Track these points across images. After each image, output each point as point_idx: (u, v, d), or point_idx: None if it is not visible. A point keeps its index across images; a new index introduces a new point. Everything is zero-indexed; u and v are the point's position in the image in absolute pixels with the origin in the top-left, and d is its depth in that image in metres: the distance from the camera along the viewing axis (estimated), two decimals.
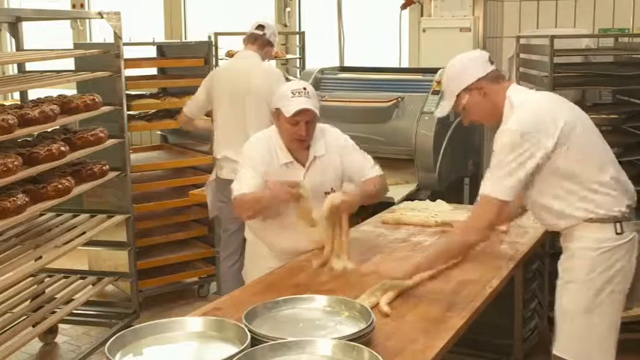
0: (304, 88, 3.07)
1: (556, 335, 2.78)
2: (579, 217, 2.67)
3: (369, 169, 3.26)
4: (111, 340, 2.08)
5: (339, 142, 3.26)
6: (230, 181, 3.23)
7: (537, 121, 2.62)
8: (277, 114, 3.11)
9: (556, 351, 2.76)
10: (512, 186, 2.61)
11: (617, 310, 2.73)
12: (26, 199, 3.53)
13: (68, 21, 6.49)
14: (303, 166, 3.15)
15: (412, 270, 2.72)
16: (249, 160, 3.12)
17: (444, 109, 2.87)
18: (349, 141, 3.30)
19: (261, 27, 4.36)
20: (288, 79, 4.45)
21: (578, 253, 2.68)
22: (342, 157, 3.23)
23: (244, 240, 3.49)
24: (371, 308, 2.40)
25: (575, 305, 2.69)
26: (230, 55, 5.44)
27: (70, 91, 4.57)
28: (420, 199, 4.20)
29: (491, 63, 2.80)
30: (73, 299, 4.26)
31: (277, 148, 3.13)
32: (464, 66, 2.77)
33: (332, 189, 3.17)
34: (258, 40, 4.37)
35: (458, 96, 2.77)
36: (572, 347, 2.72)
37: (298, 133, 3.06)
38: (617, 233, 2.65)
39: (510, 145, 2.59)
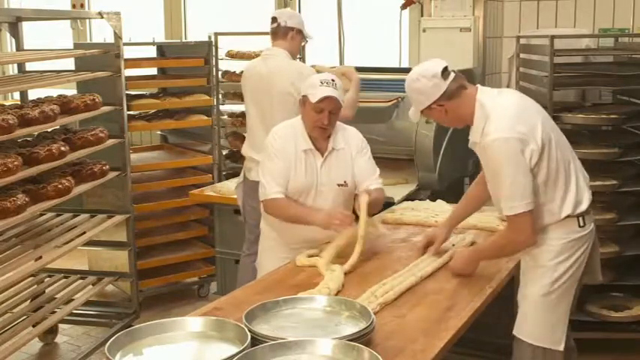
0: (332, 80, 3.23)
1: (517, 317, 2.84)
2: (554, 217, 2.73)
3: (373, 179, 3.35)
4: (111, 340, 2.08)
5: (358, 142, 3.38)
6: (257, 184, 3.37)
7: (520, 123, 2.64)
8: (304, 101, 3.25)
9: (515, 332, 2.82)
10: (530, 193, 2.63)
11: (571, 294, 2.79)
12: (26, 199, 3.52)
13: (68, 21, 6.48)
14: (322, 155, 3.28)
15: (474, 266, 2.91)
16: (275, 150, 3.26)
17: (415, 115, 2.90)
18: (367, 145, 3.40)
19: (273, 19, 4.23)
20: None
21: (546, 242, 2.76)
22: (356, 156, 3.33)
23: None
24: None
25: (535, 289, 2.76)
26: (230, 55, 5.44)
27: (70, 91, 4.57)
28: (420, 199, 4.20)
29: (448, 74, 2.73)
30: (73, 299, 4.26)
31: (299, 134, 3.28)
32: (417, 88, 2.78)
33: (345, 182, 3.30)
34: (277, 32, 4.23)
35: (422, 112, 2.84)
36: (530, 328, 2.78)
37: (321, 121, 3.19)
38: (579, 226, 2.75)
39: (507, 157, 2.61)
